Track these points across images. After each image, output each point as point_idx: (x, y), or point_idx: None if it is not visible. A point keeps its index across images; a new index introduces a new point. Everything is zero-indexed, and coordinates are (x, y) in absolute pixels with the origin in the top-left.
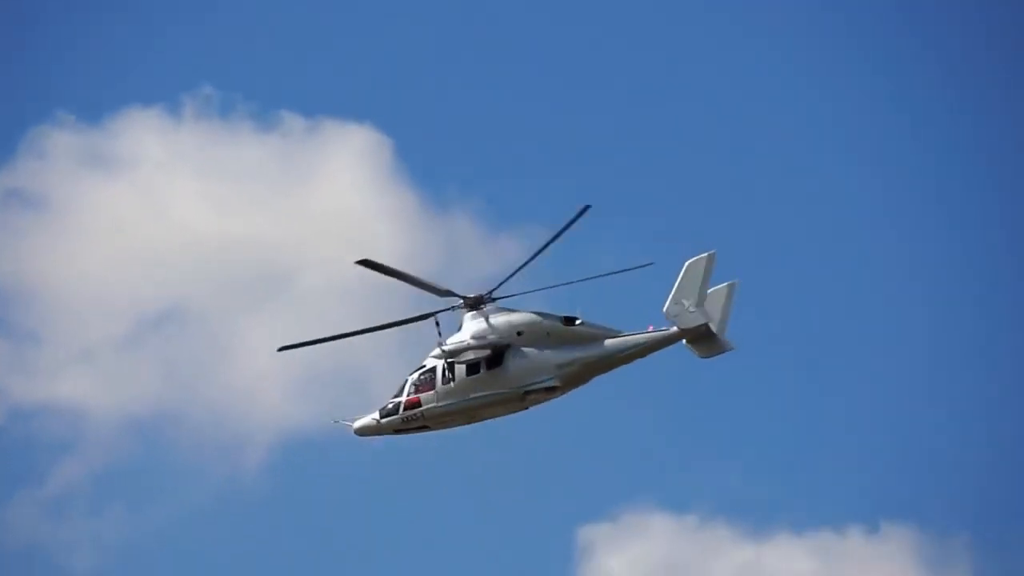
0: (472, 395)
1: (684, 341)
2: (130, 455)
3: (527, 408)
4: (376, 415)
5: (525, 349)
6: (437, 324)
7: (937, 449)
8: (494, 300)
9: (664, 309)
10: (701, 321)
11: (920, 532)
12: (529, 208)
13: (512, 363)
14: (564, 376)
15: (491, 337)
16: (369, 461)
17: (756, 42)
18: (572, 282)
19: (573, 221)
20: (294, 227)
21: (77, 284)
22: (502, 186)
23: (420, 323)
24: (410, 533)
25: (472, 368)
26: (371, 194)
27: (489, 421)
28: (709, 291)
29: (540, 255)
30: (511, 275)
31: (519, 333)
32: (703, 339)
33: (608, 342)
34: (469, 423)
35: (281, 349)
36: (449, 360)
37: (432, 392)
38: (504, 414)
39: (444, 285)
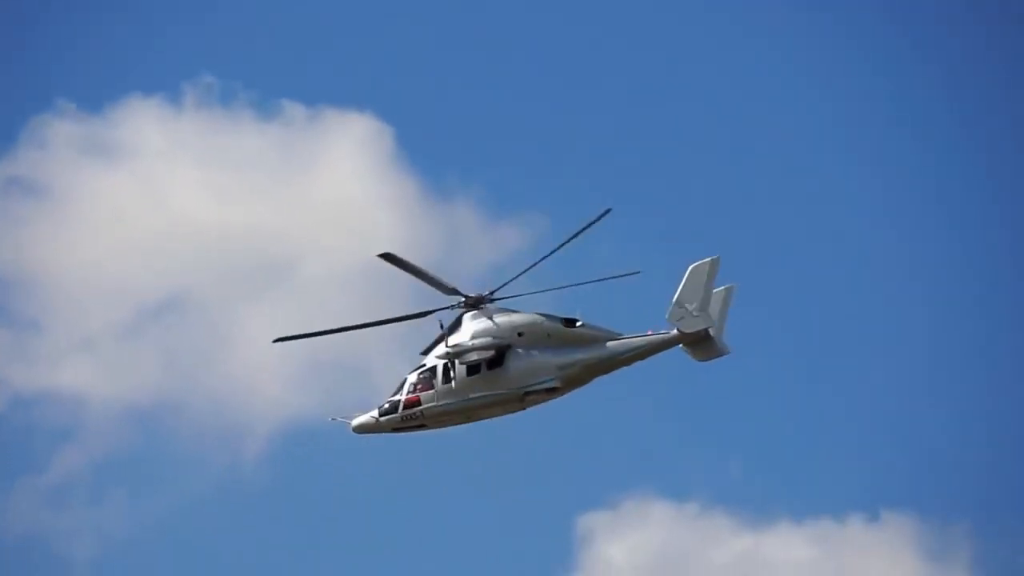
0: (472, 395)
1: (681, 344)
2: (130, 444)
3: (525, 408)
4: (374, 413)
5: (526, 350)
6: (442, 327)
7: (937, 438)
8: (493, 300)
9: (667, 313)
10: (704, 325)
11: (920, 521)
12: (530, 197)
13: (513, 364)
14: (565, 377)
15: (492, 337)
16: (369, 450)
17: (758, 42)
18: (563, 287)
19: (592, 223)
20: (295, 216)
21: (78, 273)
22: (503, 174)
23: (419, 319)
24: (410, 520)
25: (472, 368)
26: (372, 183)
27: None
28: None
29: (544, 257)
30: (517, 275)
31: (520, 334)
32: (701, 342)
33: (609, 344)
34: (467, 422)
35: (276, 341)
36: (450, 360)
37: (432, 391)
38: (503, 414)
39: (451, 283)
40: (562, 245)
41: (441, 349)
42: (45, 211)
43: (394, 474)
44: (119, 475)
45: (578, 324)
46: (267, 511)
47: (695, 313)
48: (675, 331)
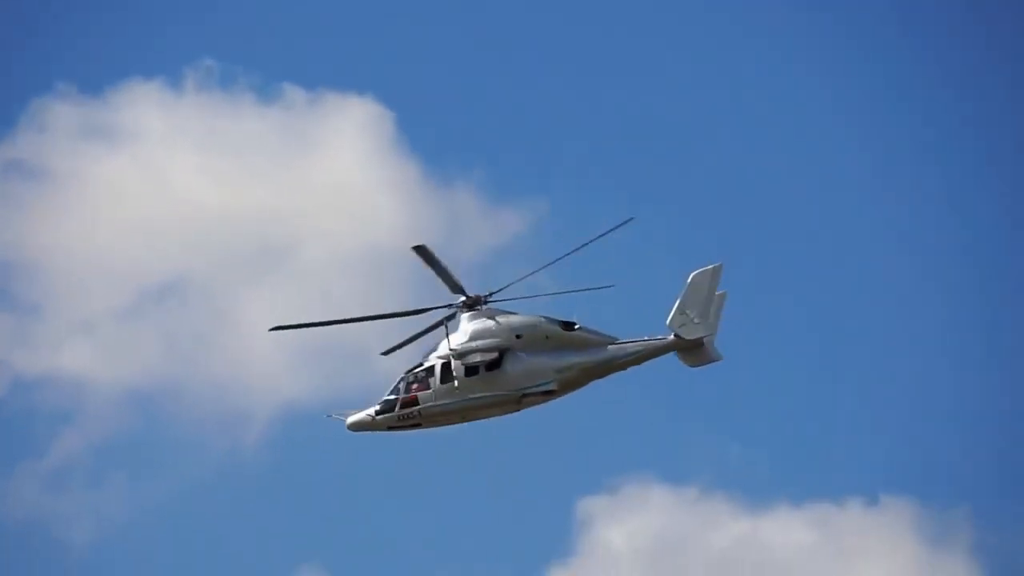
0: (470, 396)
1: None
2: (131, 427)
3: (521, 410)
4: (371, 411)
5: (524, 352)
6: (446, 328)
7: (936, 422)
8: (491, 301)
9: (668, 319)
10: (705, 333)
11: (920, 505)
12: (531, 182)
13: (511, 366)
14: (562, 380)
15: (492, 339)
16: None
17: (760, 42)
18: (549, 294)
19: (612, 230)
20: (296, 200)
21: (78, 256)
22: (504, 159)
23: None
24: (409, 505)
25: (471, 369)
26: (373, 167)
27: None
28: None
29: (551, 263)
30: (523, 277)
31: (518, 336)
32: (695, 349)
33: (607, 348)
34: (463, 422)
35: (273, 329)
36: (449, 360)
37: (429, 391)
38: (499, 415)
39: (459, 282)
40: (576, 250)
41: (443, 349)
42: (45, 195)
43: (392, 459)
44: (119, 459)
45: (576, 327)
46: (267, 495)
47: (696, 320)
48: (672, 336)
